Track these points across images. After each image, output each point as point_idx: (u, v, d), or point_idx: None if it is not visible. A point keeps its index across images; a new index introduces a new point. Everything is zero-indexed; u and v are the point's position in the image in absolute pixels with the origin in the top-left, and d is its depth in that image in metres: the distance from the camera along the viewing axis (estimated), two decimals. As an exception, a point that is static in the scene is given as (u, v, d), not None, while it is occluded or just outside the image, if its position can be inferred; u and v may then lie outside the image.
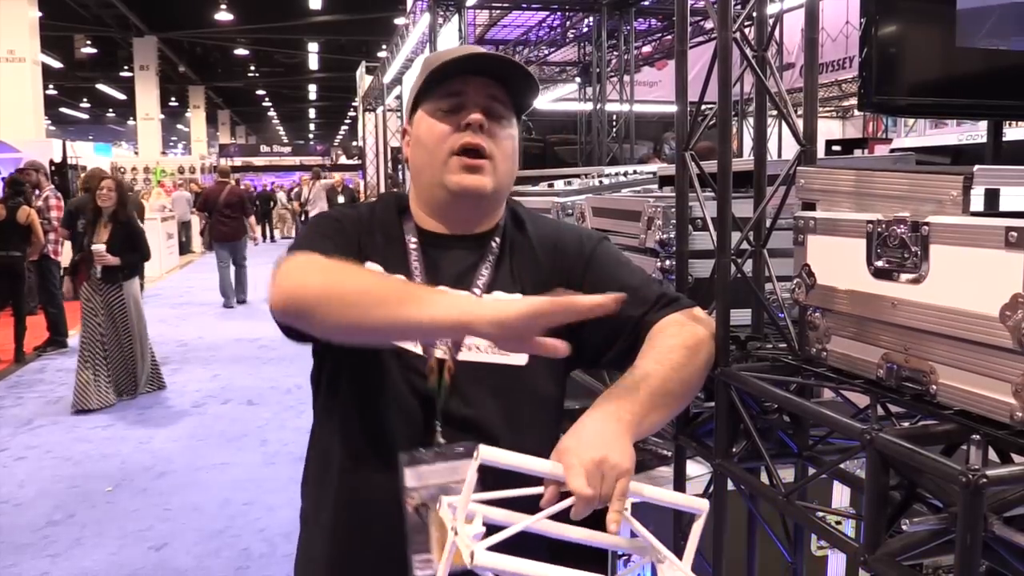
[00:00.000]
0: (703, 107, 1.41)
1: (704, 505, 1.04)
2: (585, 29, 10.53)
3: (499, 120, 1.27)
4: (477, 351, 1.25)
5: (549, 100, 13.19)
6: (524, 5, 9.29)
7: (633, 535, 1.06)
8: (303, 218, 16.66)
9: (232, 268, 10.49)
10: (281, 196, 22.77)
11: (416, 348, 1.24)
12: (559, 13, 9.96)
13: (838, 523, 1.40)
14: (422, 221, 1.32)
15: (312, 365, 1.35)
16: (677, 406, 1.26)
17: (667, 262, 1.70)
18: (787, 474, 1.27)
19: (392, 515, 1.21)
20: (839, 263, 1.12)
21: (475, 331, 1.03)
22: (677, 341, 1.21)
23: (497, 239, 1.32)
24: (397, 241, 1.30)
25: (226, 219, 10.29)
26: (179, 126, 40.63)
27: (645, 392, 1.14)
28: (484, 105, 1.25)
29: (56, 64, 22.06)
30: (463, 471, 1.21)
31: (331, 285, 1.11)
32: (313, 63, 27.64)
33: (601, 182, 3.18)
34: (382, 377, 1.25)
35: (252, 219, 11.28)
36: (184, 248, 16.64)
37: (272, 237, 21.57)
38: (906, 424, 1.06)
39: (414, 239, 1.30)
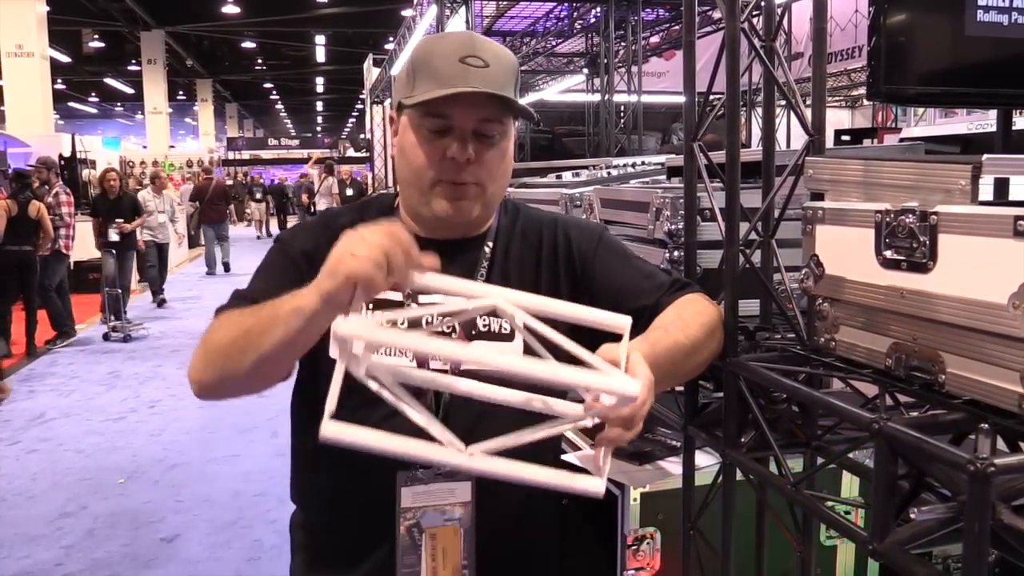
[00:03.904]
0: (711, 97, 1.40)
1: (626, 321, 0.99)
2: (592, 20, 10.50)
3: (490, 139, 1.20)
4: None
5: (556, 91, 13.17)
6: (531, -4, 9.27)
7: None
8: (312, 211, 16.67)
9: (217, 243, 13.56)
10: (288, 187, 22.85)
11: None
12: (566, 4, 9.93)
13: (847, 513, 1.41)
14: (411, 226, 1.28)
15: (292, 392, 1.33)
16: (680, 382, 1.30)
17: (675, 253, 1.70)
18: (796, 464, 1.28)
19: (386, 535, 1.21)
20: (848, 253, 1.12)
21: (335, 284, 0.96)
22: (703, 320, 1.23)
23: (490, 243, 1.30)
24: None
25: (213, 206, 13.40)
26: (187, 119, 40.68)
27: (670, 361, 1.14)
28: (473, 129, 1.19)
29: (64, 59, 22.10)
30: (460, 493, 1.22)
31: (222, 346, 1.14)
32: (320, 56, 27.62)
33: (609, 173, 3.18)
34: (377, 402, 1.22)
35: (232, 207, 15.72)
36: (193, 241, 16.63)
37: (283, 228, 21.67)
38: (915, 414, 1.06)
39: None
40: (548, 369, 0.88)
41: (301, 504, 1.39)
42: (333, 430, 0.89)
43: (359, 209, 1.36)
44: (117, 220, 8.66)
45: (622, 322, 0.97)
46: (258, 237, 20.01)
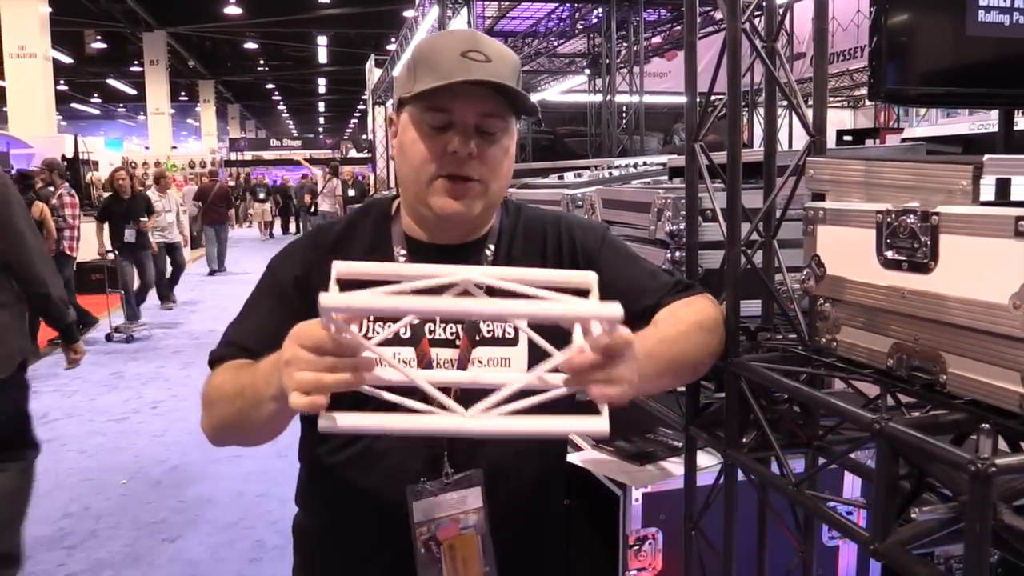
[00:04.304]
0: (713, 98, 1.40)
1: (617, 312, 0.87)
2: (594, 20, 10.51)
3: (492, 135, 1.17)
4: (479, 365, 1.21)
5: (558, 92, 13.17)
6: (533, -3, 9.28)
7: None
8: (313, 211, 16.69)
9: (216, 243, 13.94)
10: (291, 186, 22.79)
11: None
12: (568, 4, 9.93)
13: (849, 513, 1.41)
14: (410, 229, 1.27)
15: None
16: (681, 381, 1.28)
17: (677, 253, 1.70)
18: (797, 464, 1.28)
19: (399, 549, 1.20)
20: (849, 253, 1.12)
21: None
22: (698, 318, 1.23)
23: (491, 247, 1.27)
24: (383, 252, 1.25)
25: (216, 208, 13.79)
26: (189, 120, 40.73)
27: (666, 353, 1.14)
28: (475, 123, 1.16)
29: (67, 60, 22.13)
30: (472, 499, 1.20)
31: (224, 417, 1.16)
32: (322, 56, 27.63)
33: (611, 173, 3.19)
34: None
35: (232, 210, 16.53)
36: (196, 242, 16.62)
37: (286, 229, 21.58)
38: (916, 414, 1.06)
39: (403, 251, 1.25)
40: (531, 306, 0.86)
41: (306, 509, 1.39)
42: (327, 423, 0.89)
43: (353, 216, 1.34)
44: (141, 220, 8.49)
45: (586, 277, 0.94)
46: (263, 239, 19.93)
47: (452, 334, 1.22)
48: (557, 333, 0.93)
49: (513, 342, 1.22)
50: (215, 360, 1.23)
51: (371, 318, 1.18)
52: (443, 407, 0.88)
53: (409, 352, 1.20)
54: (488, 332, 1.22)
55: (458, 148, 1.14)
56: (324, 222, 1.36)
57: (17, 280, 2.93)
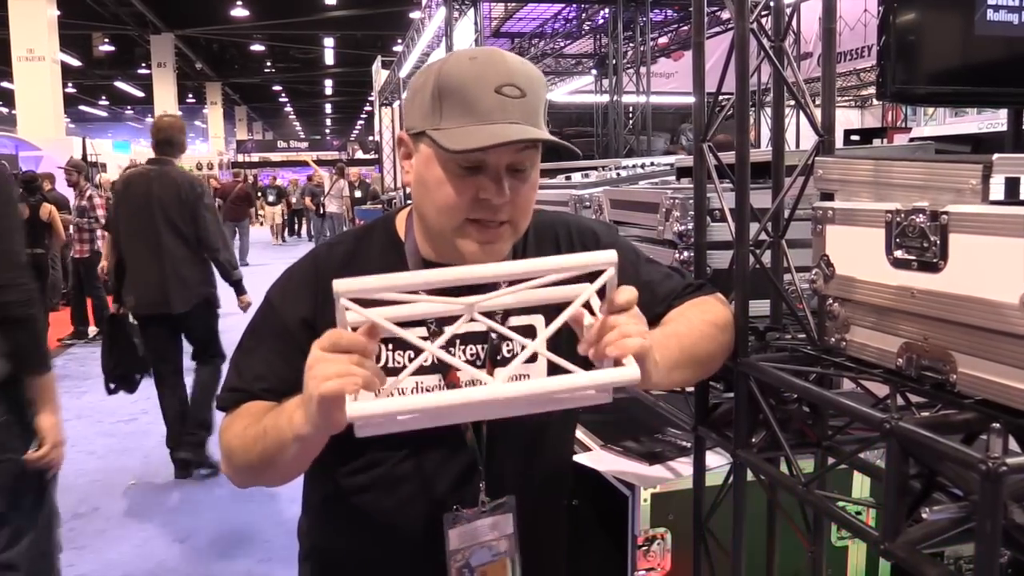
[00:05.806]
0: (720, 98, 1.40)
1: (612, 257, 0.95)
2: (601, 21, 10.51)
3: (522, 172, 1.12)
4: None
5: (565, 92, 13.16)
6: (539, -3, 9.28)
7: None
8: (320, 211, 16.71)
9: (237, 240, 14.71)
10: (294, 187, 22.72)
11: None
12: (575, 5, 9.93)
13: (858, 513, 1.41)
14: (428, 253, 1.21)
15: None
16: (695, 375, 1.27)
17: (685, 253, 1.70)
18: (807, 464, 1.28)
19: (424, 569, 1.21)
20: (858, 253, 1.12)
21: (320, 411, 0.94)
22: (709, 317, 1.23)
23: None
24: None
25: (235, 206, 14.90)
26: (197, 122, 40.85)
27: (676, 345, 1.14)
28: (508, 163, 1.10)
29: (75, 62, 22.21)
30: (503, 525, 1.21)
31: (248, 466, 1.15)
32: (329, 58, 27.69)
33: (618, 174, 3.18)
34: (417, 447, 1.20)
35: (252, 209, 17.39)
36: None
37: (297, 232, 21.53)
38: (926, 413, 1.06)
39: None
40: (534, 269, 0.93)
41: (317, 524, 1.40)
42: (356, 408, 0.88)
43: (354, 243, 1.27)
44: None
45: (606, 257, 0.96)
46: (275, 243, 19.87)
47: (473, 355, 1.21)
48: (574, 347, 0.98)
49: (532, 359, 1.20)
50: (226, 406, 1.22)
51: (390, 346, 1.17)
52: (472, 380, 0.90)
53: (434, 380, 1.18)
54: (508, 352, 1.22)
55: (492, 196, 1.09)
56: (321, 246, 1.29)
57: (201, 247, 4.40)
